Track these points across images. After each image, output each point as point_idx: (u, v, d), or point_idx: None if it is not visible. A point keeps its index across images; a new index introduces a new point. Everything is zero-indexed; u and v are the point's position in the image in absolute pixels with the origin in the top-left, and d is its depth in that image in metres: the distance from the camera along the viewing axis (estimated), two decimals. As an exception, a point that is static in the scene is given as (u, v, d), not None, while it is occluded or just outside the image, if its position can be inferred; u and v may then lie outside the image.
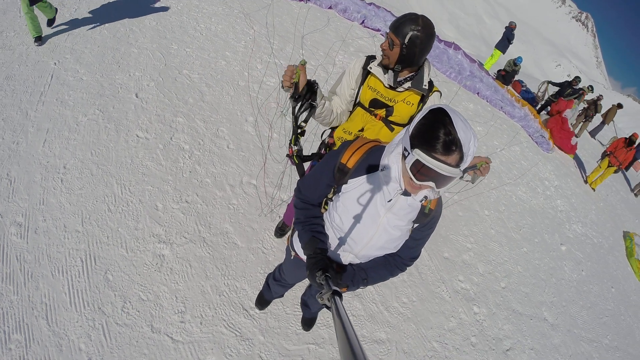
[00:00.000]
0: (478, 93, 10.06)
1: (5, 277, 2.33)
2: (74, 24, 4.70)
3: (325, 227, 1.55)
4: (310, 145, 4.05)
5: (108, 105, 3.79)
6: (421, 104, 1.93)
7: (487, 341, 3.62)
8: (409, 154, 1.11)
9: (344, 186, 1.41)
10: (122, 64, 4.40)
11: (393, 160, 1.24)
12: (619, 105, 13.53)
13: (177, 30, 5.50)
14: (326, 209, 1.55)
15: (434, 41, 1.83)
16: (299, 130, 2.02)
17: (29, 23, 4.08)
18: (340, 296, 1.05)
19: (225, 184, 3.56)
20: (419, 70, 1.91)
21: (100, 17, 5.02)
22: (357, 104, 2.06)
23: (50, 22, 4.51)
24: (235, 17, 6.69)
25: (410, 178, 1.13)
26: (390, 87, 1.91)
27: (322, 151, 2.31)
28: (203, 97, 4.47)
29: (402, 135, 1.20)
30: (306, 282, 2.92)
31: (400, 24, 1.74)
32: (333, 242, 1.53)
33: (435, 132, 1.04)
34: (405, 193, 1.27)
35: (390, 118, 1.97)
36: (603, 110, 13.80)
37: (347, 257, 1.55)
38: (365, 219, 1.38)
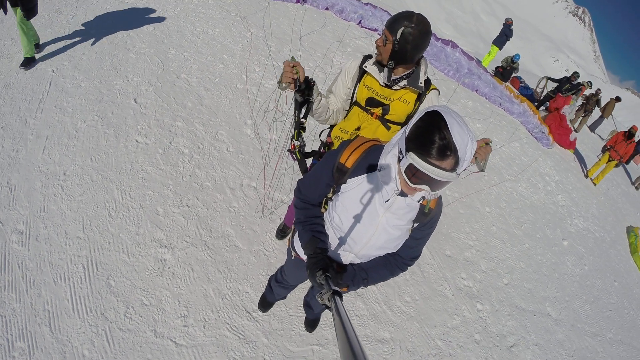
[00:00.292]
0: (477, 90, 10.05)
1: (8, 285, 2.33)
2: (72, 30, 4.71)
3: (325, 226, 1.55)
4: (310, 145, 4.04)
5: (107, 111, 3.80)
6: (418, 102, 1.93)
7: (491, 338, 3.61)
8: (403, 156, 1.10)
9: (343, 186, 1.41)
10: (120, 69, 4.40)
11: (390, 161, 1.24)
12: (617, 99, 13.54)
13: (174, 34, 5.51)
14: (326, 209, 1.55)
15: (430, 39, 1.84)
16: (301, 125, 2.03)
17: (24, 39, 3.84)
18: (341, 296, 1.04)
19: (226, 187, 3.56)
20: (414, 68, 1.91)
21: (97, 23, 5.03)
22: (353, 103, 2.07)
23: (36, 46, 4.21)
24: (232, 21, 6.70)
25: (405, 181, 1.13)
26: (386, 86, 1.91)
27: (322, 150, 2.32)
28: (202, 100, 4.48)
29: (399, 136, 1.20)
30: (308, 283, 2.93)
31: (394, 21, 1.75)
32: (333, 241, 1.53)
33: (430, 136, 1.03)
34: (402, 194, 1.26)
35: (386, 117, 1.98)
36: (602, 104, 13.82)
37: (347, 256, 1.55)
38: (364, 218, 1.38)
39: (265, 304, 2.73)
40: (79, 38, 4.64)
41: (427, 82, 1.94)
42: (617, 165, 9.69)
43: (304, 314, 2.82)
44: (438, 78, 9.18)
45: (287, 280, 2.25)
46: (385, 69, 1.87)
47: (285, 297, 2.74)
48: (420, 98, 1.93)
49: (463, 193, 5.47)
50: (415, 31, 1.73)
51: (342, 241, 1.49)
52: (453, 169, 1.06)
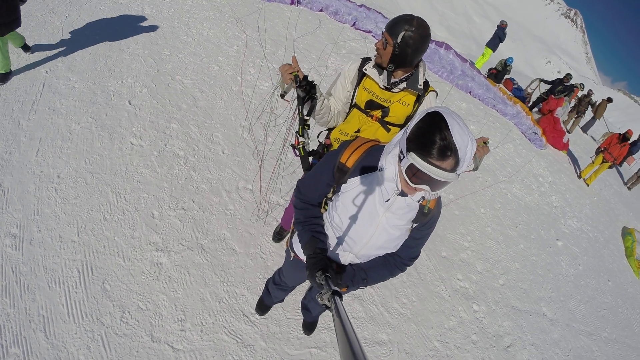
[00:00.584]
0: (470, 92, 10.11)
1: (1, 290, 2.29)
2: (65, 31, 4.66)
3: (325, 227, 1.55)
4: (310, 145, 4.04)
5: (101, 113, 3.76)
6: (417, 104, 1.94)
7: (488, 338, 3.63)
8: (404, 157, 1.11)
9: (343, 185, 1.41)
10: (115, 70, 4.37)
11: (390, 161, 1.25)
12: (609, 100, 13.70)
13: (168, 36, 5.48)
14: (326, 209, 1.54)
15: (429, 43, 1.85)
16: (305, 122, 2.02)
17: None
18: (340, 296, 1.05)
19: (222, 190, 3.54)
20: (413, 71, 1.91)
21: (91, 24, 4.98)
22: (353, 106, 2.07)
23: (26, 48, 4.13)
24: (226, 22, 6.68)
25: (406, 181, 1.13)
26: (386, 88, 1.92)
27: (321, 151, 2.31)
28: (196, 102, 4.45)
29: (400, 137, 1.20)
30: (306, 286, 2.92)
31: (395, 24, 1.76)
32: (333, 242, 1.53)
33: (431, 137, 1.04)
34: (402, 193, 1.27)
35: (386, 119, 1.98)
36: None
37: (346, 257, 1.55)
38: (364, 218, 1.38)
39: (262, 307, 2.71)
40: (73, 39, 4.59)
41: (426, 84, 1.95)
42: (610, 167, 9.79)
43: (302, 317, 2.81)
44: (432, 80, 9.23)
45: (286, 282, 2.24)
46: (385, 71, 1.88)
47: (282, 300, 2.73)
48: (419, 100, 1.94)
49: (458, 194, 5.49)
50: (415, 35, 1.73)
51: (341, 241, 1.49)
52: (453, 169, 1.07)
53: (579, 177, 9.93)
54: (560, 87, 11.61)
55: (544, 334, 4.13)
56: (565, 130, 11.29)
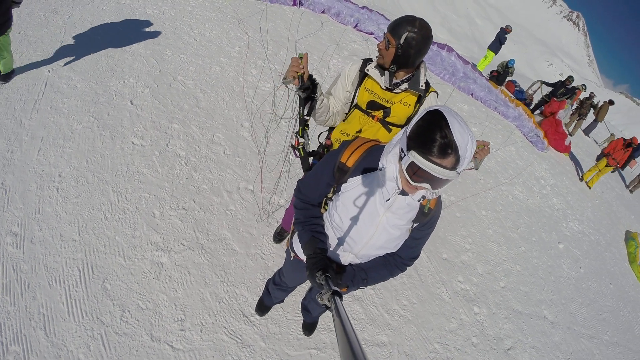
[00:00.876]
0: (472, 94, 10.11)
1: (2, 288, 2.30)
2: (68, 31, 4.67)
3: (325, 227, 1.55)
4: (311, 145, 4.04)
5: (103, 113, 3.77)
6: (418, 105, 1.95)
7: (488, 341, 3.62)
8: (405, 155, 1.11)
9: (343, 185, 1.41)
10: (117, 70, 4.38)
11: (391, 160, 1.25)
12: (610, 102, 13.67)
13: (171, 36, 5.49)
14: (326, 209, 1.54)
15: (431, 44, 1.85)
16: (305, 122, 2.02)
17: None
18: (340, 296, 1.05)
19: (223, 190, 3.54)
20: (415, 72, 1.92)
21: (93, 24, 5.00)
22: (354, 106, 2.07)
23: (5, 77, 3.68)
24: (229, 23, 6.69)
25: (407, 179, 1.13)
26: (387, 89, 1.92)
27: (321, 152, 2.31)
28: (198, 103, 4.46)
29: (400, 136, 1.20)
30: (306, 286, 2.92)
31: (397, 25, 1.76)
32: (333, 242, 1.53)
33: (432, 135, 1.04)
34: (403, 193, 1.27)
35: (387, 119, 1.99)
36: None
37: (347, 257, 1.55)
38: (365, 218, 1.38)
39: (262, 307, 2.71)
40: (75, 39, 4.61)
41: (427, 84, 1.96)
42: (612, 171, 9.77)
43: (302, 318, 2.80)
44: (434, 82, 9.23)
45: (286, 282, 2.23)
46: (387, 72, 1.88)
47: (282, 301, 2.72)
48: (420, 100, 1.94)
49: (459, 196, 5.48)
50: (418, 36, 1.74)
51: (342, 241, 1.49)
52: (454, 167, 1.07)
53: (581, 179, 9.90)
54: (562, 89, 11.60)
55: (545, 337, 4.11)
56: (567, 132, 11.27)
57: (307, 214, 1.57)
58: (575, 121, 13.43)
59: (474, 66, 10.57)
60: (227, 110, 4.57)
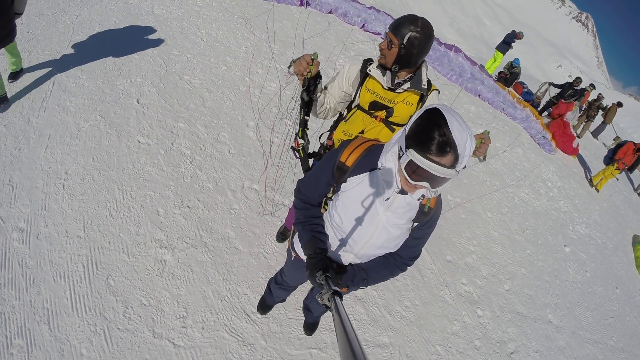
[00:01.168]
0: (479, 95, 10.05)
1: (7, 282, 2.34)
2: (76, 30, 4.73)
3: (325, 226, 1.55)
4: (312, 146, 4.04)
5: (109, 111, 3.81)
6: (420, 103, 1.95)
7: (491, 344, 3.59)
8: (403, 154, 1.11)
9: (343, 185, 1.41)
10: (124, 70, 4.42)
11: (390, 159, 1.25)
12: (619, 104, 13.49)
13: (178, 36, 5.53)
14: (326, 209, 1.55)
15: (433, 43, 1.85)
16: (305, 124, 2.03)
17: None
18: (341, 296, 1.05)
19: (227, 189, 3.56)
20: (416, 71, 1.92)
21: (101, 23, 5.05)
22: (356, 107, 2.07)
23: (14, 76, 3.76)
24: (235, 23, 6.72)
25: (406, 178, 1.13)
26: (389, 89, 1.92)
27: (322, 152, 2.32)
28: (204, 102, 4.49)
29: (399, 135, 1.21)
30: (308, 286, 2.92)
31: (400, 25, 1.76)
32: (333, 241, 1.53)
33: (430, 133, 1.04)
34: (402, 192, 1.27)
35: (390, 119, 1.98)
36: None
37: (347, 256, 1.55)
38: (365, 217, 1.38)
39: (264, 306, 2.72)
40: (83, 38, 4.66)
41: (429, 83, 1.96)
42: (620, 172, 9.64)
43: (303, 318, 2.81)
44: (441, 82, 9.19)
45: (287, 282, 2.24)
46: (389, 72, 1.88)
47: (284, 300, 2.73)
48: (422, 99, 1.94)
49: (465, 198, 5.45)
50: (421, 35, 1.74)
51: (342, 241, 1.49)
52: (452, 165, 1.08)
53: (590, 182, 9.76)
54: (570, 91, 11.48)
55: (549, 341, 4.08)
56: (575, 135, 11.16)
57: (307, 214, 1.57)
58: (583, 123, 13.28)
59: (481, 67, 10.51)
60: (232, 110, 4.59)
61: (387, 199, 1.31)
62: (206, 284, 2.76)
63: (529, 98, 12.56)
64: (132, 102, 4.03)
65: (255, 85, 5.25)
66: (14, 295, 2.29)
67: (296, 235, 1.77)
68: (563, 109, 10.96)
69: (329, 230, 1.53)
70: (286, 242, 3.30)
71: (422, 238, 1.51)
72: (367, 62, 1.99)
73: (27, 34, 4.33)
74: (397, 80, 1.90)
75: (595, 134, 15.17)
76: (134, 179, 3.26)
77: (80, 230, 2.75)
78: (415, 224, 1.43)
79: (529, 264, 5.07)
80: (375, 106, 1.98)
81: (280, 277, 2.33)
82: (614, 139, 14.03)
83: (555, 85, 12.36)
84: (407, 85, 1.90)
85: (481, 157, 2.03)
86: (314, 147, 2.32)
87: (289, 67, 1.87)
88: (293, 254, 1.84)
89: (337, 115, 2.25)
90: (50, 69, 4.03)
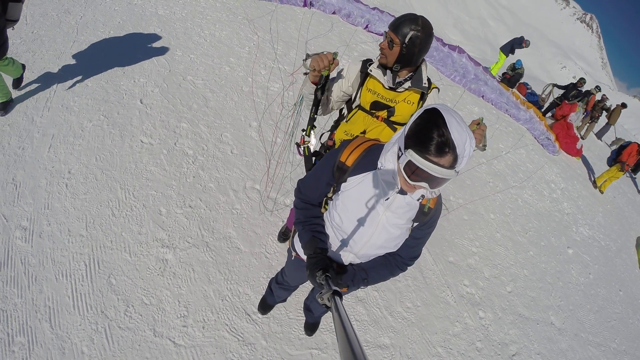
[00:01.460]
0: (483, 96, 10.02)
1: (10, 280, 2.35)
2: (80, 31, 4.76)
3: (325, 226, 1.55)
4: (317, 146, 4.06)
5: (113, 111, 3.83)
6: (421, 102, 1.95)
7: (493, 346, 3.58)
8: (402, 154, 1.11)
9: (343, 184, 1.41)
10: (127, 70, 4.44)
11: (389, 159, 1.25)
12: (623, 105, 13.42)
13: (181, 36, 5.55)
14: (326, 209, 1.55)
15: (436, 43, 1.86)
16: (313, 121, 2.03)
17: None
18: (341, 296, 1.05)
19: (229, 189, 3.57)
20: (416, 69, 1.92)
21: (105, 24, 5.08)
22: (357, 107, 2.07)
23: (17, 83, 3.66)
24: (239, 24, 6.74)
25: (405, 178, 1.13)
26: (390, 88, 1.92)
27: (323, 152, 2.32)
28: (207, 102, 4.50)
29: (399, 135, 1.21)
30: (309, 286, 2.92)
31: (400, 24, 1.76)
32: (333, 241, 1.53)
33: (429, 133, 1.04)
34: (402, 192, 1.27)
35: (392, 118, 1.99)
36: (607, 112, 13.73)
37: (347, 256, 1.55)
38: (365, 217, 1.38)
39: (265, 306, 2.73)
40: (87, 38, 4.69)
41: (428, 81, 1.96)
42: (624, 174, 9.58)
43: (304, 318, 2.81)
44: (444, 83, 9.17)
45: (288, 281, 2.25)
46: (389, 72, 1.88)
47: (285, 300, 2.73)
48: (423, 97, 1.94)
49: (467, 199, 5.44)
50: (422, 34, 1.75)
51: (342, 241, 1.49)
52: (452, 166, 1.07)
53: (594, 183, 9.71)
54: (574, 92, 11.43)
55: (551, 344, 4.05)
56: (578, 136, 11.10)
57: (307, 214, 1.58)
58: (587, 124, 13.21)
59: (485, 68, 10.48)
60: (235, 110, 4.61)
61: (387, 199, 1.31)
62: (207, 283, 2.76)
63: (533, 99, 12.51)
64: (136, 102, 4.05)
65: (258, 86, 5.26)
66: (16, 293, 2.31)
67: (296, 235, 1.77)
68: (566, 110, 10.91)
69: (329, 230, 1.54)
70: (287, 243, 3.30)
71: (422, 238, 1.51)
72: (367, 62, 1.99)
73: (32, 34, 4.36)
74: (397, 80, 1.90)
75: (599, 135, 15.09)
76: (136, 179, 3.28)
77: (83, 229, 2.76)
78: (415, 224, 1.43)
79: (532, 265, 5.05)
80: (376, 106, 1.98)
81: (281, 276, 2.33)
82: (612, 141, 13.94)
83: (559, 87, 12.32)
84: (407, 84, 1.90)
85: (481, 145, 2.03)
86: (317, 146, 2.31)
87: (304, 60, 1.87)
88: (293, 253, 1.85)
89: (338, 115, 2.25)
90: (54, 69, 4.05)
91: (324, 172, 1.47)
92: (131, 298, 2.50)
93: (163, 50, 5.04)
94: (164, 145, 3.71)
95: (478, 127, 2.01)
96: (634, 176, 12.75)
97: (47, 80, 3.88)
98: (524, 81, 13.14)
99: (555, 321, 4.37)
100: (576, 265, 5.76)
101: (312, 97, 1.93)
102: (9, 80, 3.60)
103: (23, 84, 3.71)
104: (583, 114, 12.79)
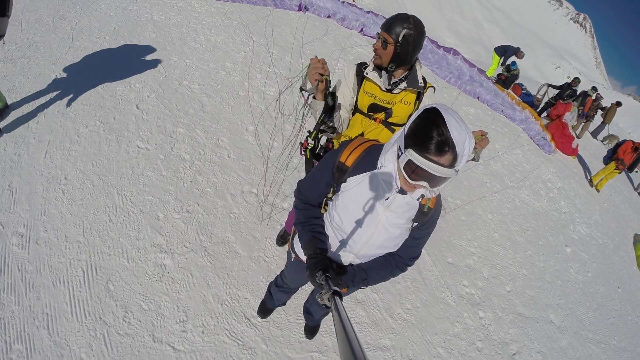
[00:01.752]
0: (478, 97, 10.07)
1: (7, 287, 2.33)
2: (75, 37, 4.76)
3: (325, 227, 1.55)
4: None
5: (109, 117, 3.82)
6: (417, 102, 1.96)
7: (493, 346, 3.58)
8: (402, 153, 1.11)
9: (343, 185, 1.42)
10: (123, 75, 4.43)
11: (389, 159, 1.26)
12: (618, 104, 13.51)
13: (177, 41, 5.56)
14: (326, 210, 1.55)
15: (430, 45, 1.87)
16: (322, 127, 2.02)
17: None
18: (341, 296, 1.05)
19: (226, 193, 3.56)
20: (411, 69, 1.93)
21: (100, 30, 5.08)
22: (355, 110, 2.07)
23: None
24: (234, 28, 6.76)
25: (405, 177, 1.13)
26: (387, 90, 1.93)
27: (322, 154, 2.32)
28: (203, 107, 4.50)
29: (399, 134, 1.21)
30: (308, 289, 2.91)
31: (392, 23, 1.78)
32: (333, 242, 1.53)
33: (428, 133, 1.05)
34: (402, 191, 1.27)
35: (389, 120, 1.99)
36: (602, 111, 13.80)
37: (347, 257, 1.55)
38: (365, 217, 1.38)
39: (264, 310, 2.71)
40: (83, 44, 4.68)
41: (424, 80, 1.97)
42: (619, 172, 9.64)
43: (304, 321, 2.80)
44: (440, 85, 9.22)
45: (287, 284, 2.24)
46: (384, 73, 1.89)
47: (285, 303, 2.72)
48: (419, 97, 1.95)
49: (465, 200, 5.45)
50: (414, 32, 1.76)
51: (342, 241, 1.49)
52: (451, 165, 1.08)
53: (590, 182, 9.75)
54: (569, 91, 11.49)
55: (551, 342, 4.06)
56: (574, 135, 11.15)
57: (307, 215, 1.58)
58: (582, 124, 13.29)
59: (480, 70, 10.53)
60: (232, 115, 4.61)
61: (387, 199, 1.32)
62: (206, 288, 2.75)
63: (528, 100, 12.58)
64: (132, 107, 4.04)
65: (254, 90, 5.27)
66: (13, 300, 2.29)
67: (296, 236, 1.77)
68: (561, 109, 10.97)
69: (329, 230, 1.54)
70: (286, 246, 3.30)
71: (422, 238, 1.51)
72: (362, 65, 2.00)
73: (27, 40, 4.36)
74: (393, 80, 1.91)
75: (595, 134, 15.17)
76: (133, 184, 3.27)
77: (80, 235, 2.75)
78: (415, 223, 1.43)
79: (530, 264, 5.06)
80: (374, 108, 1.98)
81: (281, 279, 2.33)
82: (604, 137, 14.02)
83: (554, 87, 12.39)
84: (403, 84, 1.91)
85: (477, 152, 2.04)
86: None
87: (301, 90, 1.85)
88: (293, 255, 1.84)
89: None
90: (50, 75, 4.04)
91: (323, 173, 1.47)
92: (130, 304, 2.48)
93: (159, 56, 5.05)
94: (160, 150, 3.70)
95: (482, 137, 2.02)
96: (629, 173, 12.82)
97: (42, 86, 3.86)
98: (519, 82, 13.21)
99: (554, 319, 4.37)
100: (574, 263, 5.78)
101: (321, 108, 1.91)
102: (3, 88, 3.59)
103: (19, 89, 3.69)
104: (580, 115, 12.86)
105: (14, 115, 3.46)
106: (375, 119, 2.01)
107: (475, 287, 4.08)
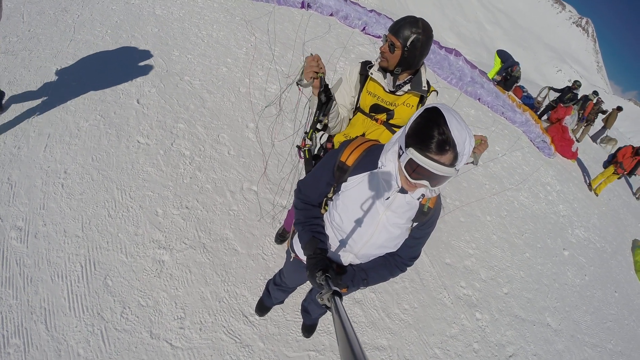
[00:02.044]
0: (479, 99, 10.07)
1: (5, 281, 2.32)
2: (77, 29, 4.73)
3: (325, 227, 1.55)
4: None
5: (109, 111, 3.80)
6: (420, 105, 1.95)
7: (490, 347, 3.58)
8: (403, 152, 1.11)
9: (343, 184, 1.41)
10: (124, 69, 4.41)
11: (390, 158, 1.25)
12: (619, 109, 13.53)
13: (178, 36, 5.54)
14: (326, 210, 1.55)
15: (432, 45, 1.86)
16: (318, 125, 2.01)
17: None
18: (340, 296, 1.05)
19: (226, 190, 3.55)
20: (416, 72, 1.92)
21: (102, 23, 5.06)
22: (356, 110, 2.07)
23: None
24: (236, 24, 6.74)
25: (406, 177, 1.13)
26: (390, 92, 1.92)
27: (322, 154, 2.32)
28: (204, 103, 4.49)
29: (399, 134, 1.21)
30: (307, 287, 2.91)
31: (401, 27, 1.75)
32: (333, 241, 1.53)
33: (429, 132, 1.05)
34: (403, 191, 1.27)
35: (391, 121, 1.99)
36: (603, 115, 13.83)
37: (347, 257, 1.55)
38: (365, 216, 1.38)
39: (262, 308, 2.71)
40: (84, 37, 4.66)
41: (427, 84, 1.96)
42: (619, 178, 9.66)
43: (301, 320, 2.80)
44: (441, 86, 9.21)
45: (286, 283, 2.24)
46: (389, 75, 1.88)
47: (282, 302, 2.72)
48: (422, 100, 1.94)
49: (464, 201, 5.45)
50: (423, 37, 1.75)
51: (342, 241, 1.49)
52: (452, 164, 1.08)
53: (589, 186, 9.77)
54: (569, 94, 11.50)
55: (548, 345, 4.07)
56: (574, 139, 11.18)
57: (307, 214, 1.57)
58: (583, 127, 13.31)
59: (481, 71, 10.53)
60: (232, 111, 4.59)
61: (387, 199, 1.32)
62: (204, 285, 2.75)
63: (529, 102, 12.59)
64: (132, 102, 4.03)
65: (255, 87, 5.26)
66: (11, 294, 2.28)
67: (296, 236, 1.77)
68: (561, 113, 10.98)
69: (329, 230, 1.53)
70: (285, 244, 3.29)
71: (422, 238, 1.51)
72: (366, 64, 1.98)
73: (29, 32, 4.33)
74: (397, 82, 1.90)
75: (595, 138, 15.20)
76: (133, 179, 3.26)
77: (79, 230, 2.74)
78: (415, 223, 1.43)
79: (528, 267, 5.07)
80: (376, 109, 1.98)
81: (279, 278, 2.32)
82: (602, 138, 14.04)
83: (555, 90, 12.40)
84: (407, 87, 1.90)
85: (476, 156, 2.04)
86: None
87: (301, 84, 1.85)
88: (292, 254, 1.84)
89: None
90: (51, 67, 4.02)
91: (324, 172, 1.47)
92: (127, 299, 2.47)
93: (160, 50, 5.02)
94: (160, 145, 3.69)
95: (482, 142, 2.02)
96: (628, 178, 12.84)
97: (43, 79, 3.84)
98: (520, 84, 13.21)
99: (551, 322, 4.38)
100: (572, 267, 5.79)
101: (316, 104, 1.91)
102: (4, 80, 3.58)
103: (19, 81, 3.67)
104: (580, 119, 12.88)
105: (14, 108, 3.44)
106: (376, 120, 2.00)
107: (472, 288, 4.09)
